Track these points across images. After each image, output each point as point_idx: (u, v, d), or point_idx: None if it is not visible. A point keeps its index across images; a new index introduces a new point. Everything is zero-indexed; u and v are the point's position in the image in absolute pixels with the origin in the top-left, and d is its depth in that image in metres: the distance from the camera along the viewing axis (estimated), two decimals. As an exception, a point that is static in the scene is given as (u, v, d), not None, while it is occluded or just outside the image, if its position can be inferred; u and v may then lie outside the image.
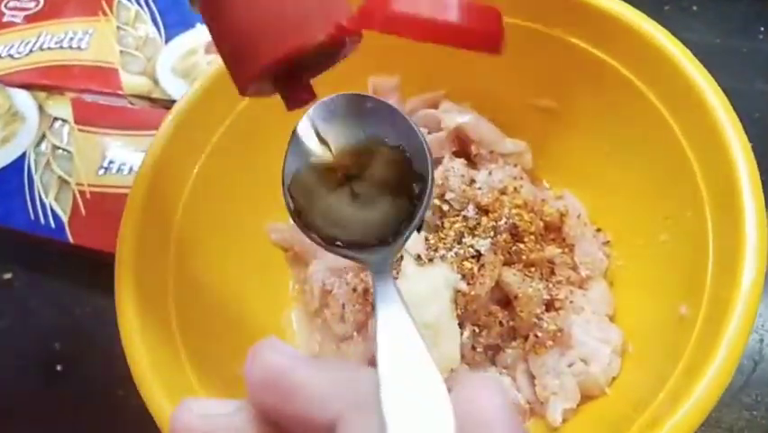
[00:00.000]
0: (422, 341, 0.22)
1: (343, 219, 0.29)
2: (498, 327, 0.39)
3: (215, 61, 0.55)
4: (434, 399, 0.20)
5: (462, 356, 0.38)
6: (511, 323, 0.39)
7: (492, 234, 0.39)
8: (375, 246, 0.28)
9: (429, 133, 0.46)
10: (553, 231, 0.43)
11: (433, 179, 0.29)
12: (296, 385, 0.20)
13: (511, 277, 0.38)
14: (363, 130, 0.30)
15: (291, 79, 0.25)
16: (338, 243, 0.29)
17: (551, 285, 0.40)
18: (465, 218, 0.40)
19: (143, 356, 0.33)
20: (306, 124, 0.29)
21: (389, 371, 0.21)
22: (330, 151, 0.30)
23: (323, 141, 0.30)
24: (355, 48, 0.26)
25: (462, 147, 0.46)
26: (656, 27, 0.37)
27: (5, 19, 0.67)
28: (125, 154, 0.53)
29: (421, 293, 0.38)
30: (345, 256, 0.29)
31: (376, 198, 0.30)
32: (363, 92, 0.31)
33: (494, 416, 0.19)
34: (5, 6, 0.68)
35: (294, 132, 0.29)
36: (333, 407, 0.19)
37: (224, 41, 0.23)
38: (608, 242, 0.42)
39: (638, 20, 0.37)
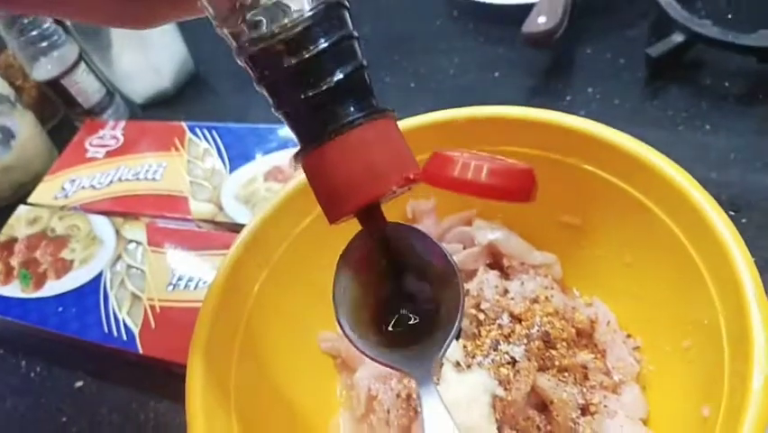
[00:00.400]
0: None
1: (388, 334, 0.33)
2: (535, 432, 0.41)
3: (272, 189, 0.62)
4: None
5: (502, 461, 0.40)
6: (548, 427, 0.41)
7: (526, 341, 0.42)
8: (418, 356, 0.32)
9: (464, 248, 0.50)
10: (585, 337, 0.45)
11: (464, 290, 0.33)
12: None
13: (546, 382, 0.41)
14: (407, 253, 0.35)
15: (369, 212, 0.30)
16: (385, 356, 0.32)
17: (585, 390, 0.42)
18: (500, 326, 0.44)
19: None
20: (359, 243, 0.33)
21: None
22: (379, 268, 0.34)
23: (374, 260, 0.34)
24: (416, 185, 0.31)
25: (496, 260, 0.50)
26: (660, 157, 0.40)
27: (89, 155, 0.77)
28: (192, 272, 0.59)
29: (461, 398, 0.41)
30: (392, 368, 0.32)
31: (418, 312, 0.34)
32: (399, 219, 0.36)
33: None
34: (90, 144, 0.78)
35: (347, 248, 0.33)
36: None
37: (320, 190, 0.29)
38: (639, 347, 0.44)
39: (644, 151, 0.41)
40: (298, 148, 0.28)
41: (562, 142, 0.44)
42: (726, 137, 0.59)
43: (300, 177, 0.47)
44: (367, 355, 0.32)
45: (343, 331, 0.32)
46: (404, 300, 0.34)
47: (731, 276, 0.34)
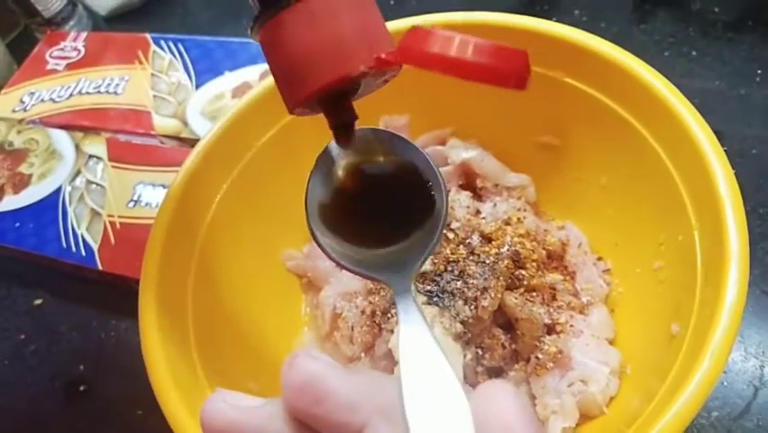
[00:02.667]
0: (441, 351, 0.24)
1: (364, 243, 0.31)
2: (500, 350, 0.40)
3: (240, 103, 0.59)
4: (454, 403, 0.21)
5: (465, 378, 0.40)
6: (513, 346, 0.40)
7: (495, 259, 0.41)
8: (396, 266, 0.30)
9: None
10: (556, 259, 0.44)
11: (447, 201, 0.31)
12: (328, 390, 0.21)
13: (513, 301, 0.40)
14: (383, 157, 0.33)
15: (336, 102, 0.27)
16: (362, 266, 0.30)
17: (552, 310, 0.41)
18: (470, 245, 0.42)
19: (165, 375, 0.34)
20: (330, 153, 0.32)
21: (412, 379, 0.22)
22: (352, 178, 0.32)
23: (345, 169, 0.32)
24: (395, 76, 0.28)
25: (468, 181, 0.49)
26: (646, 68, 0.39)
27: (49, 67, 0.73)
28: (154, 189, 0.57)
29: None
30: (370, 278, 0.31)
31: (396, 221, 0.32)
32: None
33: (513, 417, 0.20)
34: (50, 56, 0.74)
35: (317, 159, 0.32)
36: (361, 412, 0.21)
37: (278, 68, 0.26)
38: (609, 270, 0.44)
39: (630, 61, 0.39)
40: (255, 16, 0.25)
41: (547, 53, 0.41)
42: (711, 64, 0.57)
43: (263, 85, 0.44)
44: (341, 266, 0.30)
45: (317, 241, 0.30)
46: (382, 209, 0.33)
47: (709, 190, 0.33)
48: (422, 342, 0.24)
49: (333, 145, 0.31)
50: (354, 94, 0.29)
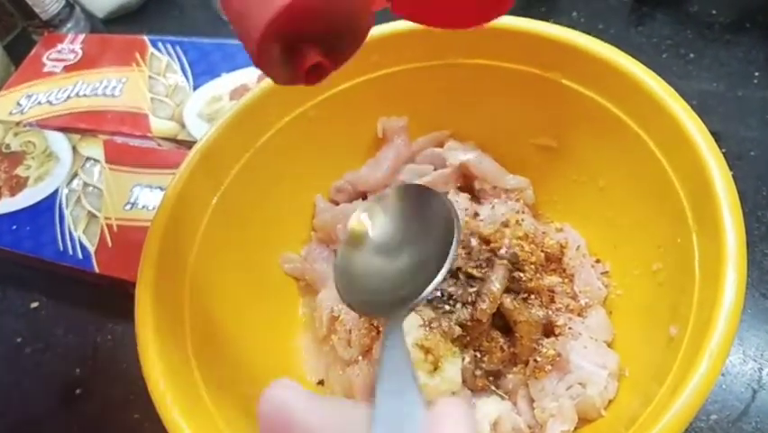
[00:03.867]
0: (418, 391, 0.25)
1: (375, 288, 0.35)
2: (499, 353, 0.40)
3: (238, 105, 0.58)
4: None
5: (464, 381, 0.39)
6: (512, 349, 0.40)
7: (493, 262, 0.41)
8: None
9: (435, 169, 0.48)
10: (554, 262, 0.44)
11: (455, 252, 0.33)
12: (295, 419, 0.23)
13: (511, 303, 0.40)
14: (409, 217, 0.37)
15: (299, 44, 0.25)
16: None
17: (550, 312, 0.41)
18: (468, 248, 0.42)
19: (161, 379, 0.34)
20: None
21: (384, 413, 0.23)
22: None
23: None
24: (367, 32, 0.26)
25: (467, 183, 0.49)
26: (644, 69, 0.39)
27: (46, 69, 0.73)
28: (151, 191, 0.56)
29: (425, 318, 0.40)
30: (374, 317, 0.34)
31: (404, 267, 0.35)
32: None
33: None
34: (47, 58, 0.74)
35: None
36: None
37: (233, 14, 0.24)
38: (607, 272, 0.44)
39: (627, 62, 0.39)
40: None
41: (545, 55, 0.42)
42: (709, 66, 0.57)
43: (261, 87, 0.44)
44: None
45: (342, 297, 0.35)
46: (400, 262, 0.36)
47: (707, 192, 0.33)
48: (401, 378, 0.26)
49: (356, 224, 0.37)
50: (323, 50, 0.26)
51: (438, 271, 0.33)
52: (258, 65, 0.25)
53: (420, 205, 0.37)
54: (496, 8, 0.26)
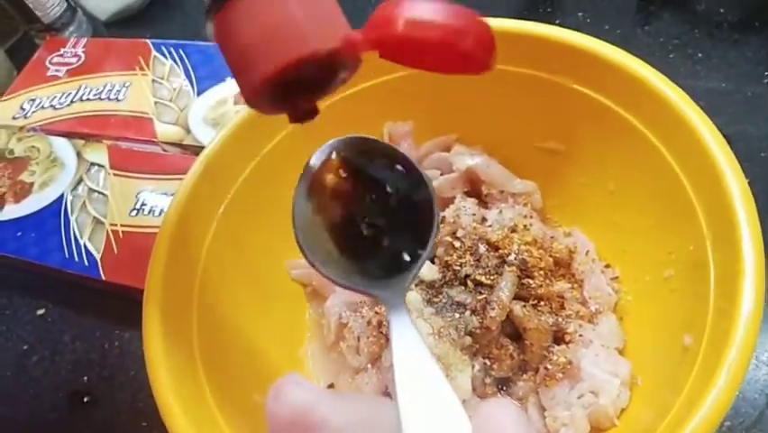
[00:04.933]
0: (438, 368, 0.23)
1: (355, 256, 0.31)
2: (509, 360, 0.40)
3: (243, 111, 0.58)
4: (455, 424, 0.21)
5: (474, 389, 0.39)
6: (522, 356, 0.40)
7: (502, 269, 0.41)
8: (388, 279, 0.30)
9: (442, 174, 0.48)
10: (563, 267, 0.44)
11: (438, 208, 0.31)
12: (319, 421, 0.20)
13: (521, 310, 0.39)
14: (370, 168, 0.32)
15: (295, 96, 0.27)
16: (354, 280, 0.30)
17: (560, 319, 0.41)
18: (476, 254, 0.42)
19: (168, 387, 0.34)
20: (316, 162, 0.32)
21: (409, 400, 0.22)
22: (339, 187, 0.32)
23: (332, 178, 0.32)
24: (354, 72, 0.27)
25: (474, 188, 0.48)
26: (654, 73, 0.38)
27: (50, 73, 0.72)
28: (157, 197, 0.56)
29: (432, 326, 0.39)
30: (360, 292, 0.30)
31: (386, 233, 0.32)
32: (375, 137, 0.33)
33: (510, 428, 0.20)
34: (50, 62, 0.73)
35: (304, 170, 0.31)
36: None
37: (233, 59, 0.25)
38: (617, 277, 0.43)
39: (637, 66, 0.39)
40: (206, 9, 0.25)
41: (554, 59, 0.41)
42: (717, 66, 0.57)
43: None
44: (333, 281, 0.30)
45: (306, 257, 0.30)
46: (372, 221, 0.32)
47: (722, 199, 0.33)
48: (418, 361, 0.24)
49: (316, 160, 0.31)
50: (314, 91, 0.27)
51: (424, 245, 0.30)
52: (251, 106, 0.26)
53: (381, 160, 0.32)
54: (482, 65, 0.25)
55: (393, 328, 0.27)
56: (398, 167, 0.31)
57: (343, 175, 0.31)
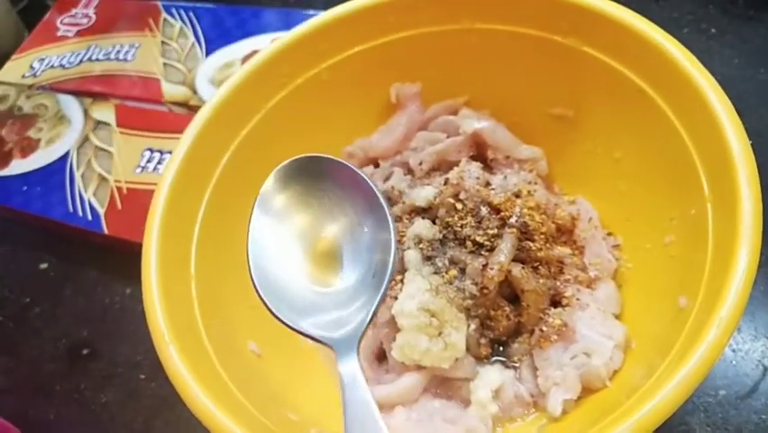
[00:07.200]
0: (382, 424, 0.24)
1: (308, 304, 0.31)
2: (505, 321, 0.40)
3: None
4: None
5: (468, 348, 0.39)
6: (518, 318, 0.40)
7: (503, 230, 0.41)
8: (340, 328, 0.29)
9: (448, 137, 0.48)
10: (565, 234, 0.44)
11: (396, 244, 0.30)
12: None
13: (519, 272, 0.39)
14: (324, 205, 0.32)
15: None
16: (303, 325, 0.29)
17: (559, 283, 0.41)
18: (478, 216, 0.42)
19: (165, 328, 0.34)
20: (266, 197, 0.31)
21: None
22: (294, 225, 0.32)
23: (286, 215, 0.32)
24: None
25: (480, 152, 0.48)
26: (667, 37, 0.38)
27: (60, 33, 0.73)
28: (162, 155, 0.56)
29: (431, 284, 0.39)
30: (310, 338, 0.29)
31: (340, 277, 0.32)
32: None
33: None
34: (61, 22, 0.74)
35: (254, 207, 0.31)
36: None
37: None
38: (619, 245, 0.43)
39: (650, 30, 0.38)
40: None
41: (564, 20, 0.41)
42: (731, 42, 0.56)
43: (272, 48, 0.43)
44: (284, 324, 0.30)
45: (259, 296, 0.30)
46: (333, 257, 0.32)
47: (725, 160, 0.32)
48: (368, 421, 0.25)
49: (269, 188, 0.32)
50: None
51: (379, 287, 0.29)
52: None
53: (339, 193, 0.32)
54: None
55: (344, 385, 0.27)
56: (357, 194, 0.31)
57: (296, 208, 0.32)
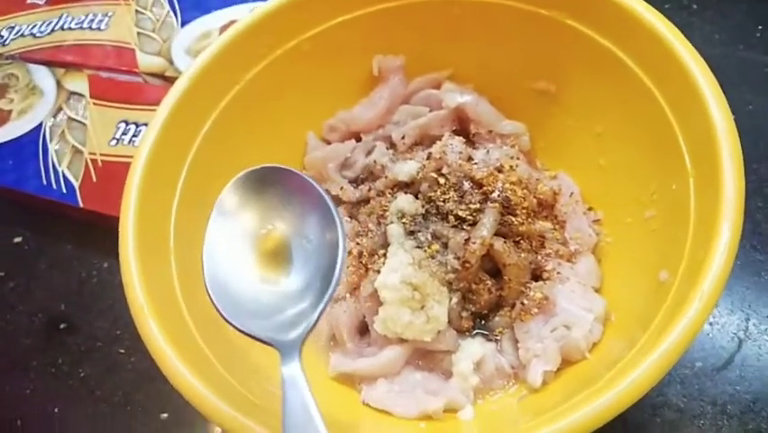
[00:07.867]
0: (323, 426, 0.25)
1: (256, 305, 0.31)
2: (486, 295, 0.40)
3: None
4: None
5: (450, 321, 0.39)
6: (499, 292, 0.40)
7: (485, 205, 0.41)
8: (288, 330, 0.29)
9: (431, 111, 0.47)
10: (546, 208, 0.44)
11: (344, 253, 0.30)
12: None
13: (501, 246, 0.39)
14: (276, 209, 0.32)
15: None
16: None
17: (540, 257, 0.41)
18: (460, 190, 0.42)
19: (144, 301, 0.33)
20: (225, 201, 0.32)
21: None
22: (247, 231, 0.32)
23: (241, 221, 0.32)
24: None
25: (463, 127, 0.48)
26: (650, 10, 0.38)
27: (29, 1, 0.70)
28: (137, 127, 0.55)
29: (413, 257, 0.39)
30: (256, 340, 0.30)
31: (290, 277, 0.32)
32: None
33: None
34: (30, -11, 0.71)
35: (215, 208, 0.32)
36: None
37: None
38: (599, 220, 0.43)
39: (634, 3, 0.38)
40: None
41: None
42: (712, 18, 0.56)
43: (251, 17, 0.42)
44: (231, 325, 0.30)
45: (209, 297, 0.30)
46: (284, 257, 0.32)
47: (708, 134, 0.32)
48: (306, 417, 0.26)
49: (226, 197, 0.32)
50: None
51: (325, 290, 0.30)
52: None
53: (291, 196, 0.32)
54: None
55: (286, 386, 0.27)
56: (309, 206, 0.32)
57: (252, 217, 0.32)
